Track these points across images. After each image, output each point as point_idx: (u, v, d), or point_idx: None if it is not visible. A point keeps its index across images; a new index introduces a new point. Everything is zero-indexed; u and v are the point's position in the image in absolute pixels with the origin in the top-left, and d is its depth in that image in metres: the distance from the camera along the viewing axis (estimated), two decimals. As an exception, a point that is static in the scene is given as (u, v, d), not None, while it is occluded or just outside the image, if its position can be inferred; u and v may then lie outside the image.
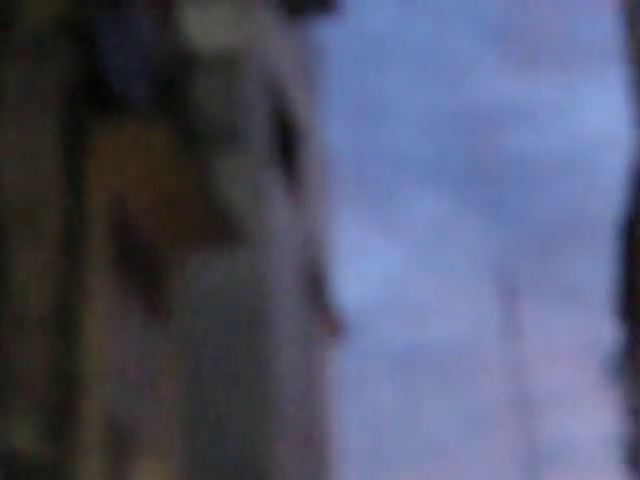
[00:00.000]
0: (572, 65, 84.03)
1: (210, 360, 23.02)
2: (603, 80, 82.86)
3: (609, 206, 78.82)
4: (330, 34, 38.77)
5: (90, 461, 14.52)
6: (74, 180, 14.93)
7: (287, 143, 27.41)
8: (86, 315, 14.75)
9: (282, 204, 25.94)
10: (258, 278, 23.85)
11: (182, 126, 17.66)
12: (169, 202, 17.44)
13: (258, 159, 24.83)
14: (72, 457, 14.06)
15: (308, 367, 27.64)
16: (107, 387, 15.35)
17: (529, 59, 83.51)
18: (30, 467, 12.99)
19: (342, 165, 34.48)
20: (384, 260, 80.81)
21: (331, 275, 31.13)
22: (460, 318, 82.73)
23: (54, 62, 14.68)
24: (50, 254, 14.00)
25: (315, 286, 28.52)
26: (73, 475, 13.64)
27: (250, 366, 23.48)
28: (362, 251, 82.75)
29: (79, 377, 14.45)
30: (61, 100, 14.76)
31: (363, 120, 76.96)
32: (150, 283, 17.52)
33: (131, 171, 16.43)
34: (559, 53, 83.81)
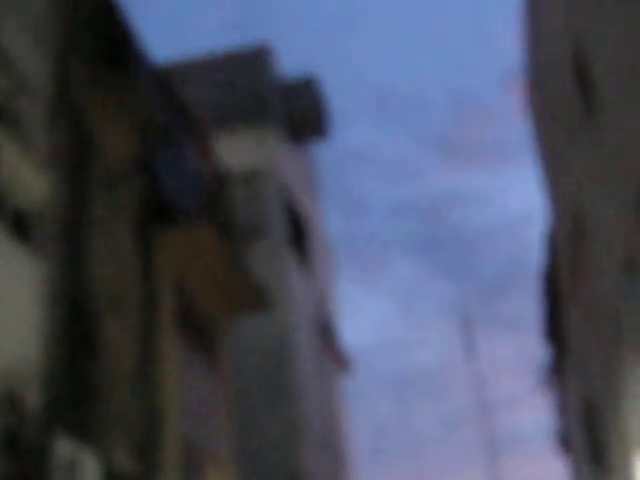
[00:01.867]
0: (498, 160, 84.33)
1: (252, 394, 22.95)
2: (525, 170, 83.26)
3: (534, 260, 78.85)
4: (323, 149, 39.01)
5: (170, 474, 14.45)
6: (147, 271, 14.98)
7: (298, 232, 27.45)
8: (161, 367, 14.75)
9: (297, 277, 25.95)
10: (284, 331, 23.81)
11: (222, 226, 17.75)
12: (217, 281, 17.48)
13: (277, 246, 24.87)
14: (157, 471, 14.01)
15: (325, 393, 27.52)
16: (180, 418, 15.31)
17: (464, 158, 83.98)
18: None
19: (338, 244, 34.82)
20: (373, 310, 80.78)
21: (337, 325, 31.06)
22: (432, 348, 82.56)
23: (127, 188, 14.77)
24: (132, 326, 14.02)
25: (326, 334, 28.46)
26: (159, 485, 13.60)
27: (282, 396, 23.38)
28: (357, 305, 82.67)
29: (159, 412, 14.43)
30: (134, 215, 14.84)
31: (350, 211, 77.36)
32: (205, 341, 17.52)
33: (188, 260, 16.49)
34: (487, 151, 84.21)
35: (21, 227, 11.12)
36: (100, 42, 13.88)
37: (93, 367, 12.42)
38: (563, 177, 19.93)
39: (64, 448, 10.94)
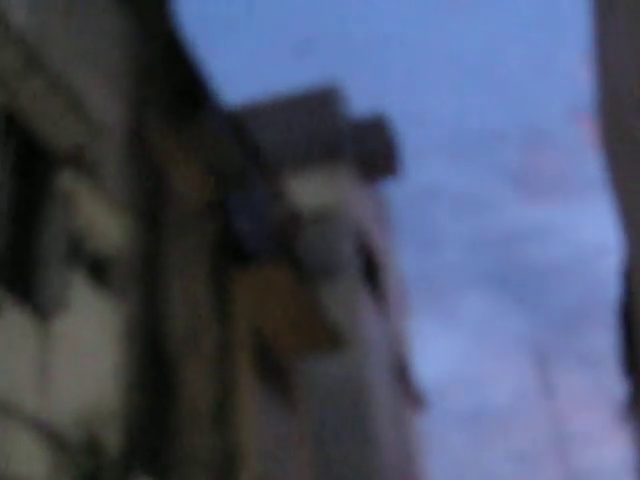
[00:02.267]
0: (571, 193, 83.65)
1: (329, 432, 22.87)
2: (598, 202, 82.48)
3: (609, 294, 77.80)
4: (396, 187, 39.00)
5: (249, 515, 14.45)
6: (222, 312, 15.06)
7: (371, 270, 27.42)
8: (238, 408, 14.78)
9: (372, 315, 25.90)
10: (359, 371, 23.74)
11: (296, 266, 17.80)
12: (291, 321, 17.51)
13: (351, 284, 24.86)
14: (236, 513, 14.02)
15: (401, 433, 27.35)
16: (256, 460, 15.31)
17: (537, 192, 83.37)
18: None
19: (411, 281, 34.72)
20: (448, 346, 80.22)
21: (411, 362, 30.91)
22: (507, 384, 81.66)
23: (201, 229, 14.89)
24: (208, 367, 14.08)
25: (401, 372, 28.33)
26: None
27: (358, 434, 23.28)
28: (430, 342, 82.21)
29: (236, 450, 14.44)
30: (208, 256, 14.95)
31: (423, 247, 77.17)
32: (281, 380, 17.52)
33: (263, 300, 16.55)
34: (560, 185, 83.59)
35: (99, 272, 11.26)
36: (173, 87, 14.06)
37: (171, 409, 12.49)
38: (637, 209, 19.69)
39: (143, 491, 10.99)
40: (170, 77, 13.97)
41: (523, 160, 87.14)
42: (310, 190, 26.13)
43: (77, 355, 10.28)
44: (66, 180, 10.29)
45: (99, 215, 11.14)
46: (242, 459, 14.56)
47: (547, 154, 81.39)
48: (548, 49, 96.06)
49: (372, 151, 28.48)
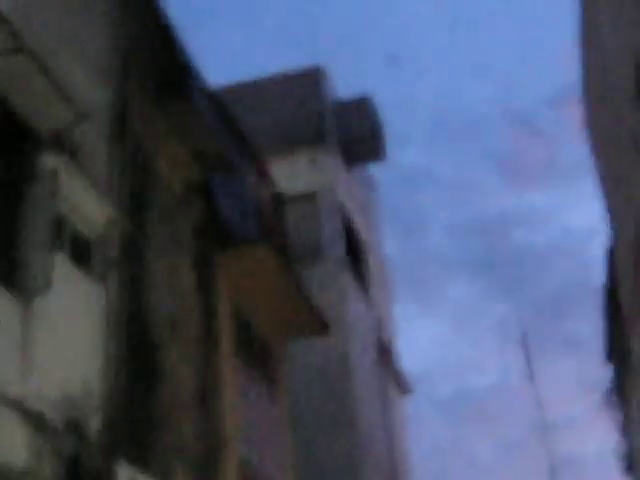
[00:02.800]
0: (556, 178, 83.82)
1: (313, 415, 22.87)
2: (584, 187, 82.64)
3: (595, 279, 77.94)
4: (380, 170, 38.97)
5: (231, 499, 14.47)
6: (205, 295, 15.03)
7: (356, 253, 27.40)
8: (220, 391, 14.77)
9: (356, 299, 25.88)
10: (343, 353, 23.73)
11: (280, 249, 17.76)
12: (275, 305, 17.48)
13: (336, 268, 24.83)
14: (218, 497, 14.04)
15: (385, 417, 27.39)
16: (239, 444, 15.32)
17: (523, 177, 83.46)
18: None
19: (395, 265, 34.79)
20: (432, 331, 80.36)
21: (395, 346, 30.93)
22: (491, 369, 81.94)
23: (185, 212, 14.85)
24: (191, 352, 14.07)
25: (385, 357, 28.33)
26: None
27: (342, 421, 23.30)
28: (414, 326, 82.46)
29: (219, 435, 14.44)
30: (192, 239, 14.91)
31: (407, 232, 77.15)
32: (264, 364, 17.52)
33: (247, 284, 16.51)
34: (545, 170, 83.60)
35: (81, 254, 11.22)
36: (158, 71, 13.98)
37: (153, 394, 12.47)
38: (624, 194, 19.71)
39: (124, 474, 10.97)
40: (155, 60, 13.89)
41: (508, 145, 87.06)
42: (294, 172, 26.06)
43: (59, 338, 10.23)
44: (50, 162, 10.23)
45: (82, 198, 11.08)
46: (225, 444, 14.56)
47: (533, 139, 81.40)
48: (533, 33, 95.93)
49: (356, 134, 28.41)
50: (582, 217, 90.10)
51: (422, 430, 66.29)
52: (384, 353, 28.53)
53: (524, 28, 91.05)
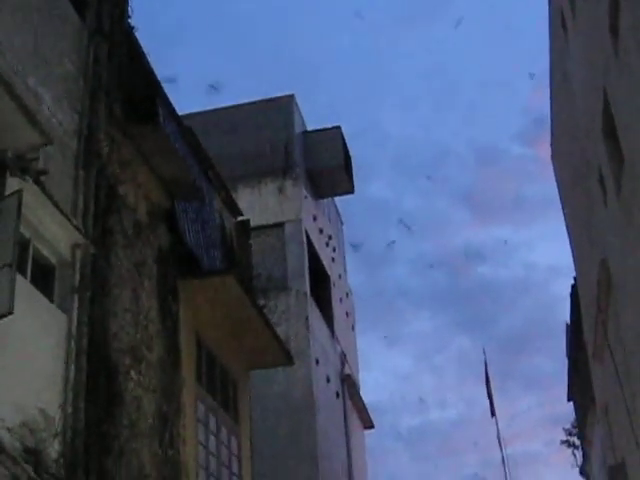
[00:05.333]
0: (522, 214, 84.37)
1: (272, 447, 22.81)
2: (550, 223, 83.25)
3: (558, 316, 78.53)
4: (346, 202, 39.05)
5: (190, 529, 14.37)
6: (168, 322, 14.98)
7: (321, 286, 27.45)
8: (180, 420, 14.70)
9: (321, 331, 25.92)
10: (306, 384, 23.73)
11: (244, 278, 17.75)
12: (238, 333, 17.45)
13: (301, 299, 24.87)
14: (177, 528, 13.93)
15: (346, 447, 27.37)
16: (198, 470, 15.24)
17: (488, 212, 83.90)
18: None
19: (360, 298, 34.90)
20: (393, 365, 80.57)
21: (358, 378, 30.93)
22: (454, 403, 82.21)
23: (150, 237, 14.83)
24: (152, 377, 14.01)
25: (348, 388, 28.35)
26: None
27: (303, 449, 23.27)
28: (379, 359, 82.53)
29: (178, 464, 14.36)
30: (156, 265, 14.88)
31: (372, 264, 77.28)
32: (226, 394, 17.45)
33: (210, 312, 16.48)
34: (512, 205, 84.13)
35: (44, 279, 11.17)
36: (126, 96, 14.00)
37: (113, 421, 12.40)
38: (588, 233, 19.86)
39: (83, 503, 10.88)
40: (123, 85, 13.91)
41: (475, 179, 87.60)
42: (261, 202, 26.12)
43: (18, 363, 10.15)
44: (14, 185, 10.19)
45: (46, 222, 11.05)
46: (184, 473, 14.47)
47: (500, 174, 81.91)
48: (502, 69, 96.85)
49: (324, 165, 28.51)
50: (547, 254, 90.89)
51: (385, 464, 66.23)
52: (347, 386, 28.53)
53: (495, 63, 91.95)
